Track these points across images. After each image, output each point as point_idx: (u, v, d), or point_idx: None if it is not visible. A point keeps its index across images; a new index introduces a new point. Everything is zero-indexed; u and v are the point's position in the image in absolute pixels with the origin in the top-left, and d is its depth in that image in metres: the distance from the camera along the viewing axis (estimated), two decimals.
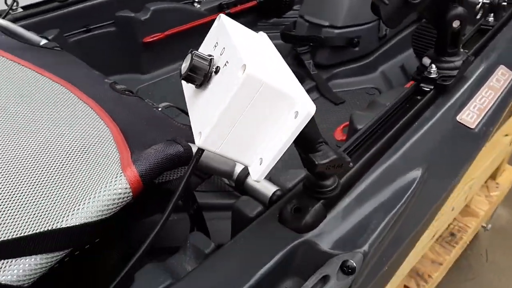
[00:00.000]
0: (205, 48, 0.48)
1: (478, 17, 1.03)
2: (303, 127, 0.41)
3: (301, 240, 0.55)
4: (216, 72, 0.43)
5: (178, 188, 0.50)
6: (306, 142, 0.50)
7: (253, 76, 0.38)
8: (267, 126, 0.41)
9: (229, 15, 1.69)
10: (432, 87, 0.80)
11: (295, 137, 0.41)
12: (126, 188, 0.55)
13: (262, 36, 0.53)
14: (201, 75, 0.43)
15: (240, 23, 1.71)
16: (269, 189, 0.65)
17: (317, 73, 1.38)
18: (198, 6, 1.63)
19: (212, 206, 0.98)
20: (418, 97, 0.79)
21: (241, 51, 0.40)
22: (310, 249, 0.55)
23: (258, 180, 0.42)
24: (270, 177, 0.70)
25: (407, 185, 0.65)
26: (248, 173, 0.67)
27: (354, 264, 0.52)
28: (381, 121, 0.75)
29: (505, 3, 1.00)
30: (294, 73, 1.24)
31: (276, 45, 1.59)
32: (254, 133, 0.41)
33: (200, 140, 0.41)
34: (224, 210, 0.94)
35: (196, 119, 0.44)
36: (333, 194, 0.58)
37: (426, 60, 0.82)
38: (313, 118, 0.50)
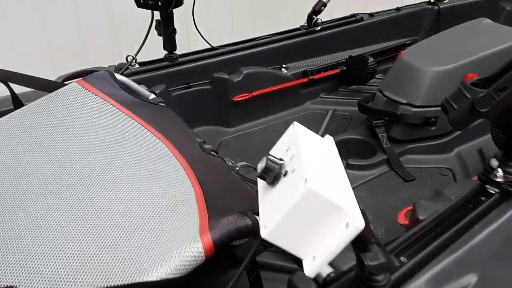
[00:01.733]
0: (278, 149, 0.59)
1: None
2: (352, 238, 0.48)
3: None
4: (285, 175, 0.53)
5: (243, 263, 0.59)
6: (359, 242, 0.56)
7: (312, 190, 0.47)
8: (321, 229, 0.49)
9: (312, 80, 1.81)
10: (497, 190, 0.81)
11: (344, 245, 0.48)
12: (200, 252, 0.66)
13: (328, 140, 0.62)
14: (272, 176, 0.53)
15: (322, 88, 1.86)
16: (324, 270, 0.72)
17: (390, 146, 1.42)
18: (285, 71, 1.79)
19: (272, 267, 1.05)
20: (483, 198, 0.80)
21: (306, 165, 0.50)
22: None
23: (310, 275, 0.50)
24: None
25: None
26: None
27: None
28: (442, 218, 0.78)
29: None
30: (367, 144, 1.34)
31: (353, 112, 1.71)
32: (310, 234, 0.50)
33: (264, 233, 0.50)
34: (283, 273, 1.01)
35: (263, 212, 0.54)
36: None
37: (494, 162, 0.83)
38: (367, 219, 0.57)
